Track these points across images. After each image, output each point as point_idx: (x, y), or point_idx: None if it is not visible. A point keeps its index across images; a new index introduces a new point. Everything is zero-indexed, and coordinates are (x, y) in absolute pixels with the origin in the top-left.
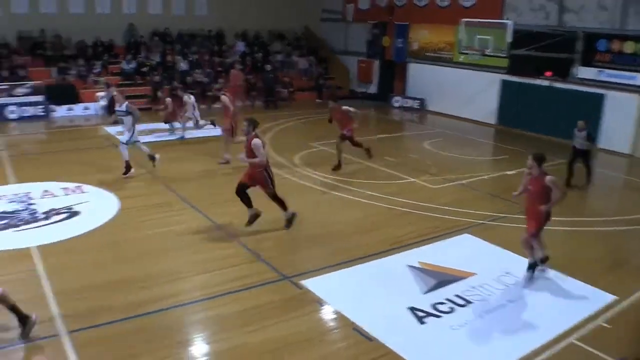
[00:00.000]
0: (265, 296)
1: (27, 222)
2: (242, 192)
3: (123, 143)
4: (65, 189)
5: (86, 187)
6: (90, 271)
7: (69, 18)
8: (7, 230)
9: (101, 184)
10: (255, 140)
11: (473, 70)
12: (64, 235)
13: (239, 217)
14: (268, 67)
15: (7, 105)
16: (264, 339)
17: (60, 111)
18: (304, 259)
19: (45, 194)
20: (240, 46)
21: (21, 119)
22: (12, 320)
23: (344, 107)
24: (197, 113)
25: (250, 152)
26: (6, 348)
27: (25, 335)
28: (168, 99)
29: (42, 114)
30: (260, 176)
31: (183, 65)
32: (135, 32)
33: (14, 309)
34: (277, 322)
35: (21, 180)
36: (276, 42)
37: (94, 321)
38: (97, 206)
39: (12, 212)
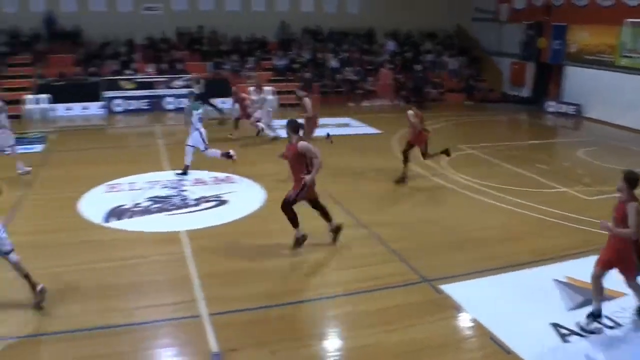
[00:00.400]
0: (403, 297)
1: (178, 207)
2: (317, 206)
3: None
4: (215, 178)
5: (235, 177)
6: (233, 258)
7: (225, 15)
8: (159, 214)
9: (249, 175)
10: (302, 143)
11: (636, 75)
12: (211, 222)
13: (383, 215)
14: (418, 67)
15: (165, 96)
16: (398, 340)
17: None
18: (446, 263)
19: (197, 181)
20: (391, 45)
21: (177, 109)
22: (149, 299)
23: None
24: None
25: (298, 158)
26: (152, 324)
27: (37, 304)
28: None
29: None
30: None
31: (333, 62)
32: (287, 29)
33: (27, 277)
34: (413, 325)
35: (175, 167)
36: (427, 42)
37: (234, 306)
38: (245, 196)
39: (165, 197)
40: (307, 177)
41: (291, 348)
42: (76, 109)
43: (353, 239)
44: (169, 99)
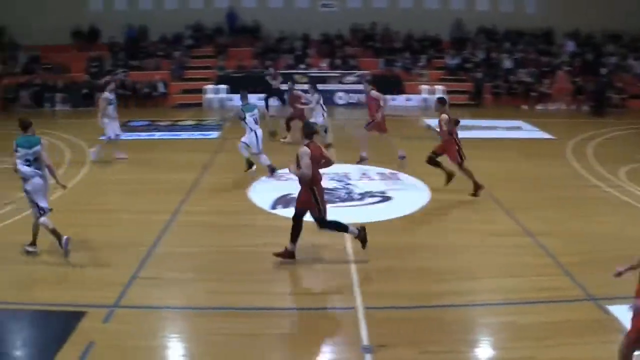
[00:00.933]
0: (565, 313)
1: (343, 200)
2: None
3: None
4: (381, 174)
5: (401, 175)
6: (392, 255)
7: (399, 12)
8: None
9: (415, 173)
10: (303, 149)
11: None
12: (374, 217)
13: (550, 225)
14: (604, 70)
15: (336, 91)
16: (556, 357)
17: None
18: (616, 282)
19: (363, 176)
20: (570, 46)
21: (348, 104)
22: (308, 286)
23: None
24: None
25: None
26: (308, 310)
27: (66, 253)
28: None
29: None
30: (306, 197)
31: (507, 63)
32: (462, 27)
33: (54, 232)
34: (573, 344)
35: (341, 161)
36: (610, 44)
37: (388, 302)
38: (409, 195)
39: (331, 189)
40: (291, 167)
41: (441, 352)
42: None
43: (516, 247)
44: (340, 94)
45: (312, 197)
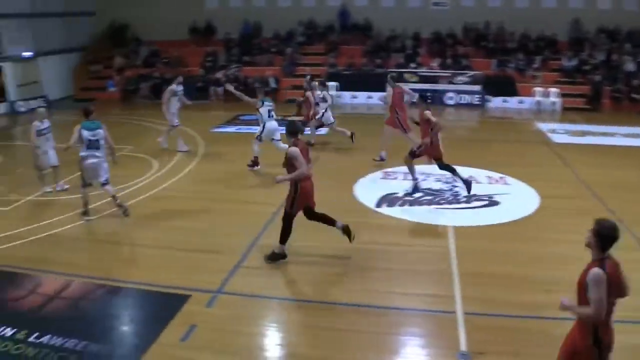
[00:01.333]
0: None
1: (449, 202)
2: (313, 216)
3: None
4: (489, 177)
5: (509, 179)
6: (497, 261)
7: (514, 11)
8: (429, 206)
9: (524, 178)
10: (292, 149)
11: None
12: (480, 221)
13: None
14: None
15: (446, 91)
16: None
17: (495, 102)
18: None
19: (470, 179)
20: None
21: (457, 105)
22: (408, 286)
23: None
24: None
25: (288, 163)
26: (406, 311)
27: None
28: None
29: (478, 102)
30: (289, 191)
31: (630, 66)
32: (580, 27)
33: (86, 203)
34: None
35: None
36: None
37: (490, 309)
38: (517, 200)
39: (437, 191)
40: (279, 177)
41: None
42: (361, 97)
43: (635, 262)
44: (450, 94)
45: (292, 191)
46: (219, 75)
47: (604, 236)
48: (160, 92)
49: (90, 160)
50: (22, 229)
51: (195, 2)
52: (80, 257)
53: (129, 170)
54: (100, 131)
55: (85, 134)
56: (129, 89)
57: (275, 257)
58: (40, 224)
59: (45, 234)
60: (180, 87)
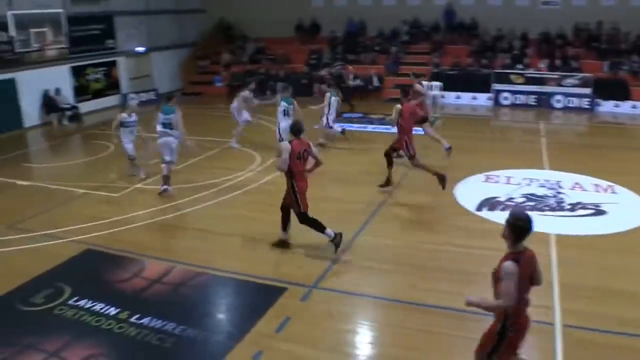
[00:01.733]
0: None
1: (552, 209)
2: (288, 216)
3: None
4: (596, 185)
5: (618, 188)
6: (601, 273)
7: (630, 10)
8: (532, 212)
9: (635, 188)
10: (283, 143)
11: None
12: (585, 230)
13: None
14: None
15: (554, 94)
16: None
17: (606, 106)
18: None
19: (575, 186)
20: None
21: (565, 108)
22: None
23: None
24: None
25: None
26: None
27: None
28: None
29: (587, 106)
30: (286, 192)
31: None
32: None
33: (165, 178)
34: None
35: (554, 168)
36: None
37: (591, 324)
38: (626, 210)
39: (541, 197)
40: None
41: None
42: (465, 98)
43: None
44: (558, 97)
45: (290, 191)
46: (323, 72)
47: (517, 227)
48: (265, 88)
49: (163, 138)
50: (129, 215)
51: (301, 1)
52: (180, 245)
53: (232, 162)
54: (173, 116)
55: (161, 115)
56: (234, 85)
57: (337, 242)
58: (146, 210)
59: (149, 221)
60: (252, 95)
